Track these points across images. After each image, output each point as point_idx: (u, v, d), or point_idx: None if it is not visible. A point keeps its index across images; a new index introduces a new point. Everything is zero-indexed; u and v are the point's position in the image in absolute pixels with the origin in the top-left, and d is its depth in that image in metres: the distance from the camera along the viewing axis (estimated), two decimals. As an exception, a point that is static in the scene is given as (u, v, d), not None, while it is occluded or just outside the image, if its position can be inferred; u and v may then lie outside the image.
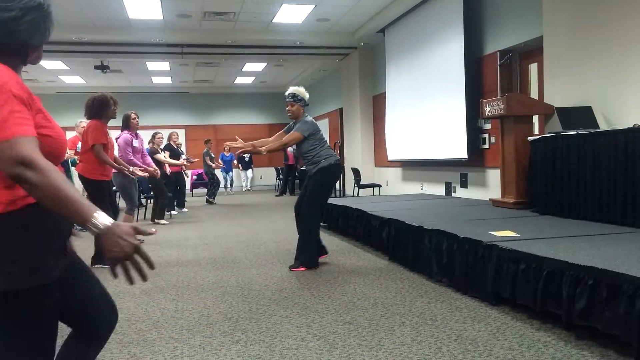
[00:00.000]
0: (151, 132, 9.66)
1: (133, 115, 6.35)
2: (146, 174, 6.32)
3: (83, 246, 6.30)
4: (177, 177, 10.28)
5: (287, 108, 4.90)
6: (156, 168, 6.95)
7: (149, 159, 6.83)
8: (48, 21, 1.46)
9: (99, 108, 5.13)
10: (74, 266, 1.59)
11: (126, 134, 6.27)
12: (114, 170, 5.70)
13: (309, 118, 4.93)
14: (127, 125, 6.32)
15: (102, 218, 1.25)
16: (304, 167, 16.17)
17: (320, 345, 2.80)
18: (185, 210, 10.65)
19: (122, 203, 6.41)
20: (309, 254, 4.77)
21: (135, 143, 6.34)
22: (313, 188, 4.83)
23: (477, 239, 3.68)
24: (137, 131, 6.50)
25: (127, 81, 15.69)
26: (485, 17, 7.51)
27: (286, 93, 4.92)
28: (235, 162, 15.58)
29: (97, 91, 5.45)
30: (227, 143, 5.00)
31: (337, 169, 4.88)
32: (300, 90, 4.90)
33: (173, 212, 10.07)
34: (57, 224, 1.43)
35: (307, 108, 5.02)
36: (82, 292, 1.61)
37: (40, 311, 1.40)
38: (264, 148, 4.81)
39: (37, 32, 1.42)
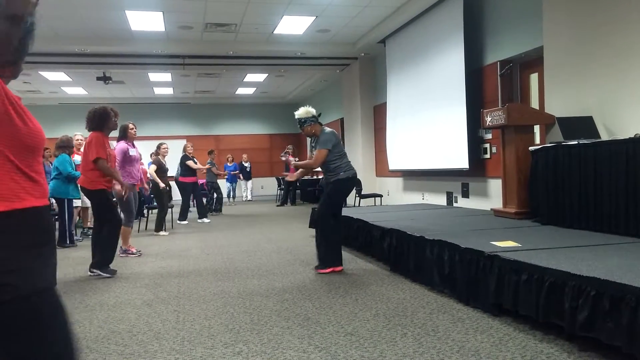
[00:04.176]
0: (153, 142, 9.68)
1: (131, 126, 6.47)
2: (145, 189, 6.49)
3: (81, 257, 6.31)
4: (193, 188, 10.47)
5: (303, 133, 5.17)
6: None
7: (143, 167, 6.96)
8: (28, 38, 1.39)
9: (100, 120, 5.20)
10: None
11: (123, 144, 6.35)
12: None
13: (327, 129, 5.07)
14: (125, 135, 6.42)
15: None
16: (306, 178, 16.16)
17: (322, 357, 2.79)
18: (207, 220, 10.58)
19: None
20: (328, 254, 4.96)
21: (132, 152, 6.41)
22: (329, 194, 5.04)
23: (478, 249, 3.67)
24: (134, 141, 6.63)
25: (129, 92, 15.76)
26: (486, 28, 7.54)
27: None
28: (237, 172, 15.64)
29: (99, 102, 5.49)
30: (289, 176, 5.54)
31: (353, 182, 5.13)
32: (301, 112, 5.03)
33: (205, 220, 10.38)
34: (44, 232, 1.43)
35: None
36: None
37: (55, 309, 1.41)
38: (300, 164, 5.35)
39: (13, 50, 1.36)
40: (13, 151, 1.35)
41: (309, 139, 5.42)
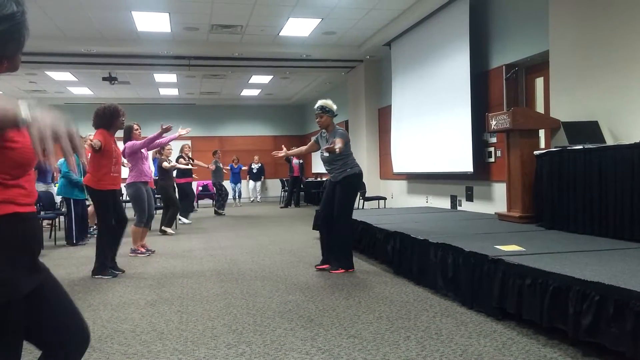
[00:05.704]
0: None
1: (135, 127, 6.47)
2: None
3: (85, 256, 6.33)
4: (189, 188, 10.53)
5: (317, 120, 5.27)
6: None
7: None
8: (23, 29, 1.38)
9: (110, 118, 5.20)
10: (45, 285, 1.50)
11: (130, 143, 6.37)
12: (128, 181, 5.79)
13: (342, 128, 5.35)
14: (130, 136, 6.42)
15: (24, 109, 1.13)
16: (310, 179, 16.15)
17: (324, 359, 2.79)
18: (189, 221, 10.65)
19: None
20: (346, 257, 5.18)
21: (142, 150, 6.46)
22: (342, 196, 5.15)
23: (482, 253, 3.67)
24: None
25: (134, 92, 15.81)
26: (491, 31, 7.54)
27: (315, 106, 5.28)
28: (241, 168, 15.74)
29: (105, 102, 5.50)
30: (275, 152, 5.50)
31: (361, 178, 5.35)
32: (328, 103, 5.27)
33: (185, 221, 10.35)
34: (26, 239, 1.39)
35: (313, 117, 5.31)
36: (51, 313, 1.52)
37: (5, 324, 1.35)
38: (336, 147, 4.83)
39: (9, 42, 1.35)
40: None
41: (312, 139, 5.61)
